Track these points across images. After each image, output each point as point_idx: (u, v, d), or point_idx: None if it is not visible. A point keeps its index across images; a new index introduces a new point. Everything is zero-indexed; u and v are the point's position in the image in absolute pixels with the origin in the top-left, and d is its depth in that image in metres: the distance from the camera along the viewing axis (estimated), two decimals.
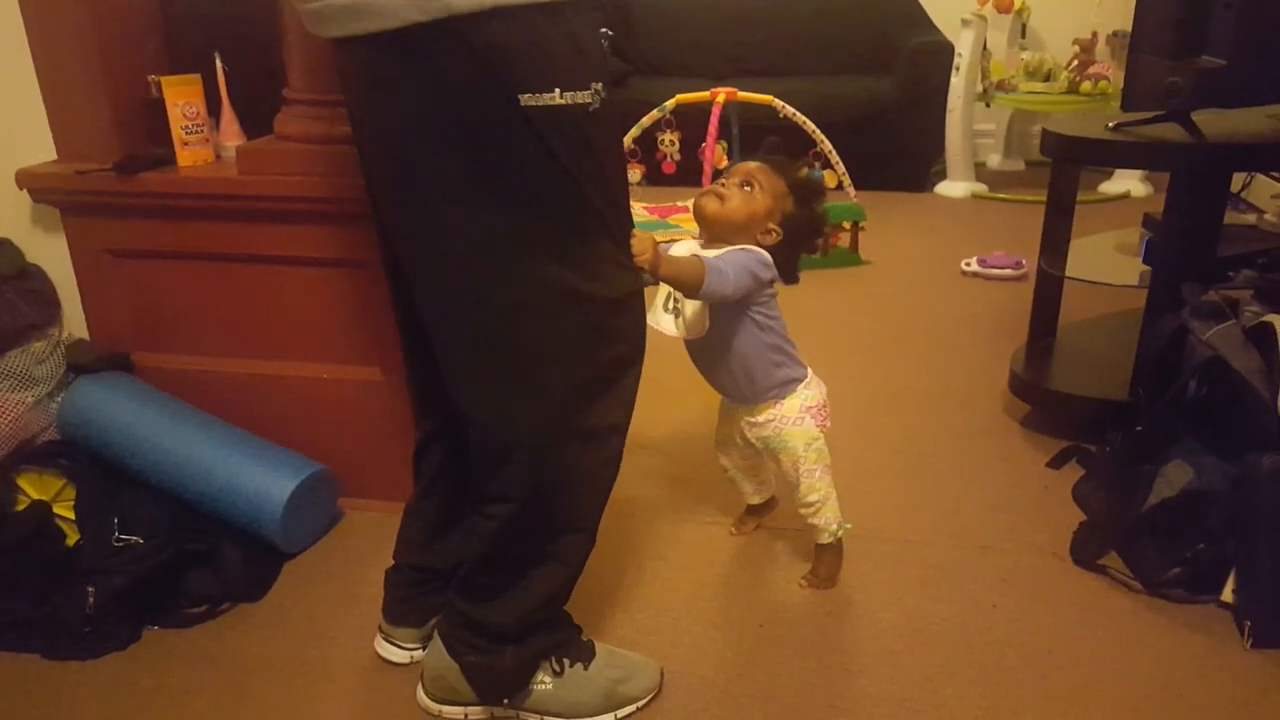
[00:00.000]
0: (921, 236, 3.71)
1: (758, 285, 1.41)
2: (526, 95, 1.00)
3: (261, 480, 1.65)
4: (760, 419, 1.53)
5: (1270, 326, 1.52)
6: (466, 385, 1.17)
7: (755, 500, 1.74)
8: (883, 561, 1.66)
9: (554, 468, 1.19)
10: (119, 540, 1.58)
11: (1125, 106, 1.84)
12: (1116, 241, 2.30)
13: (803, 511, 1.57)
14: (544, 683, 1.31)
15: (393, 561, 1.47)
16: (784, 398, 1.52)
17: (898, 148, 4.30)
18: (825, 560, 1.61)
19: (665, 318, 1.46)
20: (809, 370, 1.55)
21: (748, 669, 1.42)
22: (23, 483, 1.65)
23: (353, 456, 1.76)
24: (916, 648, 1.45)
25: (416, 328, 1.23)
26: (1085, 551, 1.63)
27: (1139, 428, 1.63)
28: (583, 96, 1.03)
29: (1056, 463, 1.93)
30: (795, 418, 1.52)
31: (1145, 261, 1.97)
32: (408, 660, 1.44)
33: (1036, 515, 1.78)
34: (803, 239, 1.49)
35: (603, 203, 1.11)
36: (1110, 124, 1.89)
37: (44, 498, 1.64)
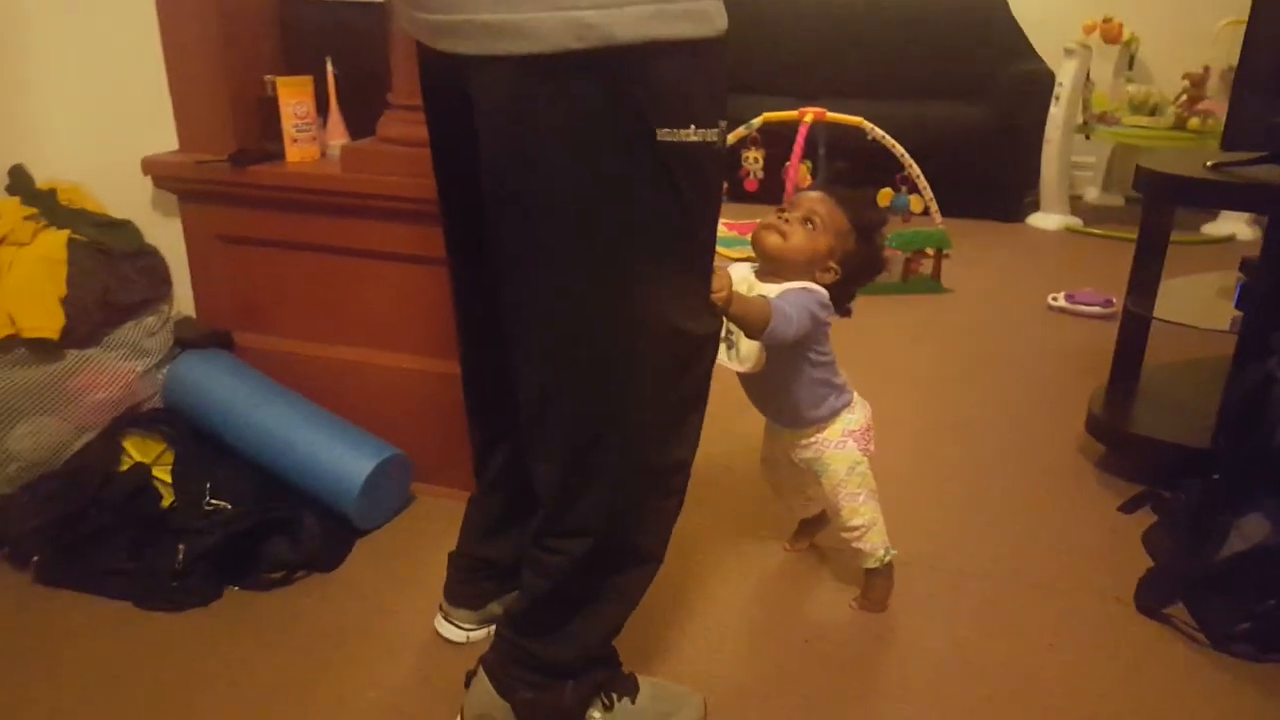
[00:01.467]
0: (1009, 268, 3.65)
1: (816, 326, 1.42)
2: (664, 130, 1.01)
3: (342, 459, 1.75)
4: (804, 443, 1.55)
5: None
6: (555, 409, 1.15)
7: (805, 515, 1.76)
8: (936, 590, 1.66)
9: (633, 501, 1.20)
10: (209, 504, 1.69)
11: (1226, 145, 1.80)
12: (1211, 284, 2.25)
13: (845, 535, 1.57)
14: (595, 718, 1.31)
15: (456, 547, 1.53)
16: (826, 425, 1.53)
17: (991, 176, 4.25)
18: (876, 585, 1.61)
19: (720, 350, 1.46)
20: (854, 394, 1.56)
21: (789, 684, 1.44)
22: (128, 445, 1.77)
23: (427, 444, 1.84)
24: (962, 680, 1.45)
25: (492, 338, 1.25)
26: (1150, 599, 1.60)
27: (1215, 476, 1.60)
28: (711, 134, 1.05)
29: (1129, 507, 1.89)
30: (838, 441, 1.53)
31: (1238, 306, 1.92)
32: (464, 639, 1.51)
33: (1102, 558, 1.75)
34: (861, 276, 1.49)
35: (706, 238, 1.13)
36: (1209, 163, 1.86)
37: (145, 460, 1.76)
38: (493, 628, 1.44)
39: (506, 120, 1.02)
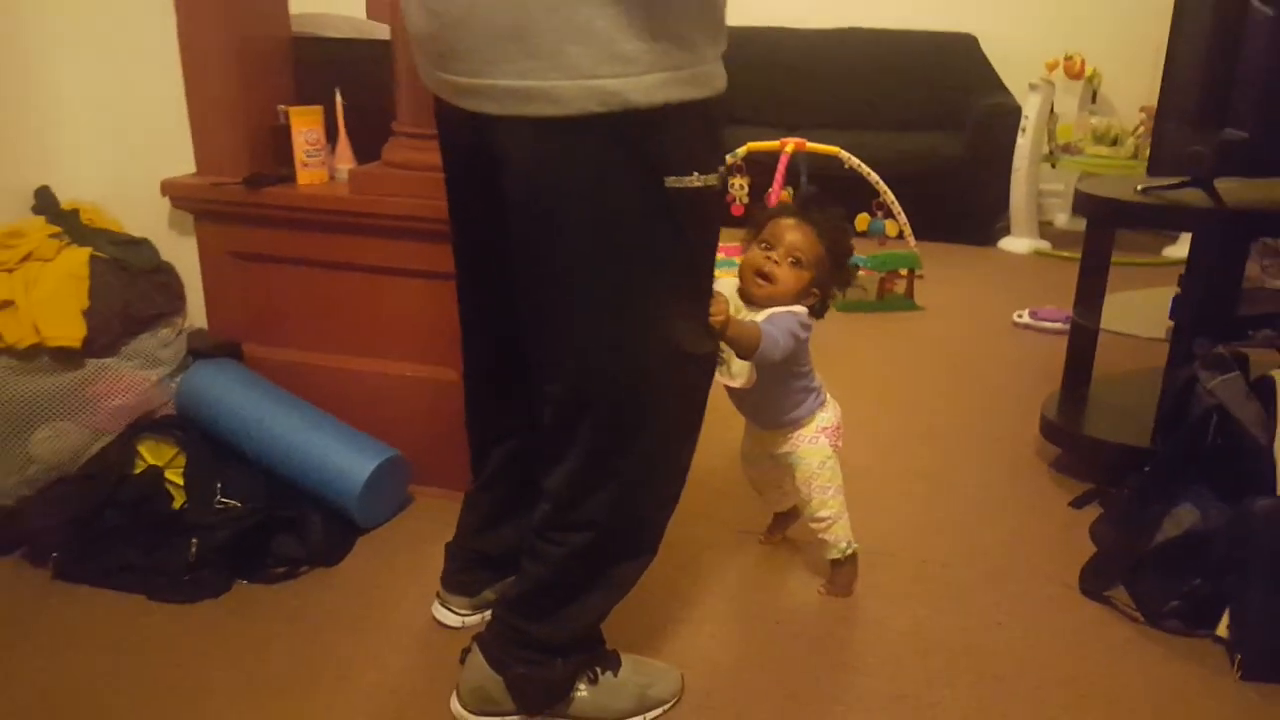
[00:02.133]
0: (979, 288, 3.82)
1: (798, 345, 1.54)
2: (671, 178, 1.13)
3: (345, 460, 1.87)
4: (782, 440, 1.68)
5: (1272, 379, 1.63)
6: (575, 421, 1.25)
7: (779, 509, 1.89)
8: (898, 576, 1.79)
9: (638, 500, 1.32)
10: (220, 502, 1.81)
11: (1150, 171, 1.97)
12: (1154, 298, 2.40)
13: (814, 526, 1.70)
14: (581, 691, 1.41)
15: (453, 539, 1.64)
16: (803, 422, 1.66)
17: (963, 202, 4.43)
18: (842, 572, 1.74)
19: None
20: (827, 395, 1.70)
21: (761, 662, 1.57)
22: (142, 449, 1.88)
23: (425, 446, 1.96)
24: (919, 654, 1.58)
25: (496, 350, 1.40)
26: (1093, 583, 1.74)
27: (1148, 469, 1.74)
28: (712, 179, 1.18)
29: (1079, 503, 2.03)
30: (811, 437, 1.66)
31: (1171, 317, 2.07)
32: (459, 624, 1.62)
33: (1052, 548, 1.89)
34: (835, 290, 1.62)
35: (706, 270, 1.28)
36: (1139, 187, 2.02)
37: (158, 463, 1.88)
38: (486, 614, 1.57)
39: (532, 175, 1.14)
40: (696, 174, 1.15)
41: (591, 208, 1.14)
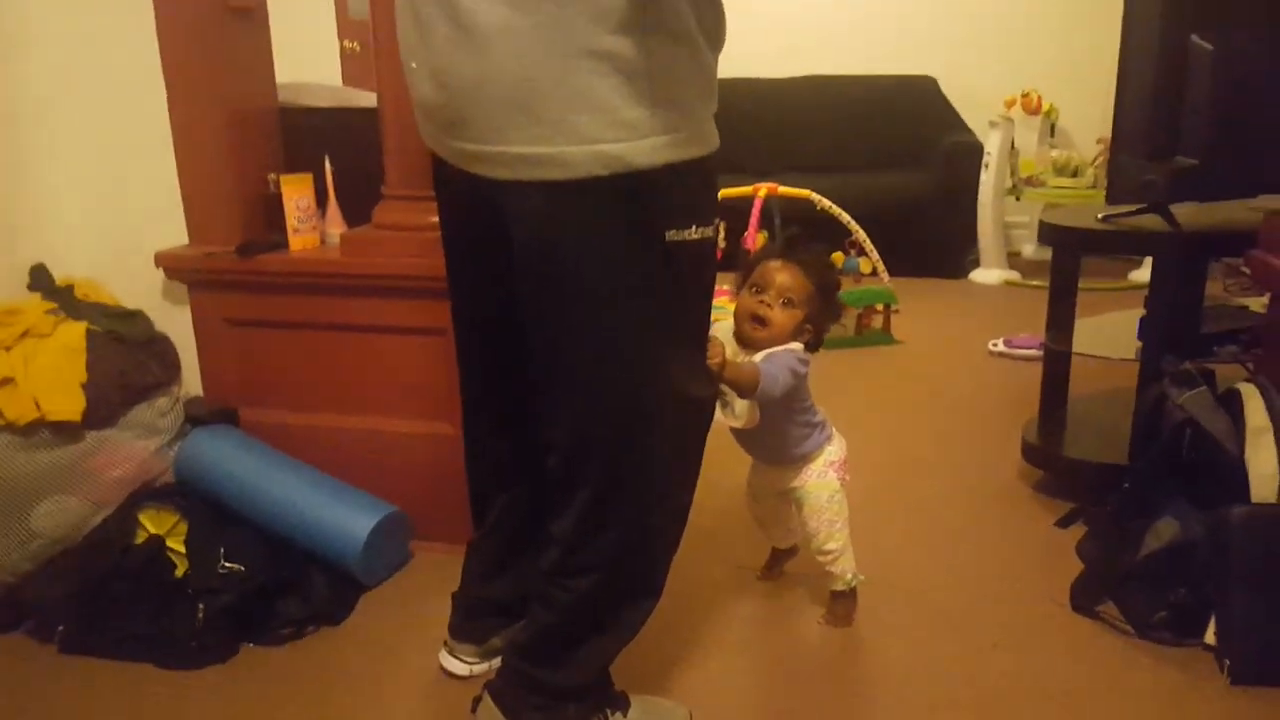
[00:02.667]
0: (953, 319, 3.92)
1: (798, 381, 1.59)
2: (671, 231, 1.20)
3: (345, 519, 1.89)
4: (791, 475, 1.72)
5: (1238, 392, 1.70)
6: (580, 466, 1.29)
7: (781, 546, 1.93)
8: (894, 605, 1.83)
9: (641, 543, 1.35)
10: (224, 567, 1.82)
11: (1109, 200, 2.07)
12: (1123, 321, 2.49)
13: (821, 559, 1.74)
14: None
15: (459, 588, 1.66)
16: (812, 457, 1.71)
17: (933, 238, 4.56)
18: (841, 603, 1.78)
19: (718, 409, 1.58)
20: (832, 429, 1.75)
21: (766, 693, 1.61)
22: (143, 518, 1.90)
23: (423, 502, 1.99)
24: (920, 679, 1.62)
25: (497, 401, 1.45)
26: (1082, 599, 1.79)
27: (1126, 485, 1.80)
28: (709, 231, 1.25)
29: (1064, 523, 2.09)
30: (820, 471, 1.71)
31: (1139, 337, 2.15)
32: (467, 673, 1.63)
33: (1041, 568, 1.94)
34: (827, 325, 1.68)
35: (704, 316, 1.34)
36: (1100, 215, 2.11)
37: (159, 532, 1.89)
38: (494, 662, 1.60)
39: (540, 234, 1.21)
40: (695, 227, 1.22)
41: (597, 263, 1.20)
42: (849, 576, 1.75)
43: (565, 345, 1.26)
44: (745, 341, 1.62)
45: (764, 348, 1.59)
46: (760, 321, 1.59)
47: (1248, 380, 1.78)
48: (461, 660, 1.65)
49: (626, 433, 1.29)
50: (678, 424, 1.33)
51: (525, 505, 1.51)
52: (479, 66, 1.14)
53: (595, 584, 1.34)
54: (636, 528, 1.34)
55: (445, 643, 1.66)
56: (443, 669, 1.65)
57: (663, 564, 1.42)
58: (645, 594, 1.41)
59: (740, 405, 1.60)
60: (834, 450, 1.72)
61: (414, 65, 1.25)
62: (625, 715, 1.46)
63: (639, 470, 1.31)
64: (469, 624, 1.64)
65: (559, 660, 1.38)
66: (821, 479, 1.70)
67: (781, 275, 1.60)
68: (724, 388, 1.55)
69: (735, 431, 1.69)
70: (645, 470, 1.32)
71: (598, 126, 1.12)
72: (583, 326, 1.24)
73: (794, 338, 1.61)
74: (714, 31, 1.22)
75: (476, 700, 1.45)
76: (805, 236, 1.73)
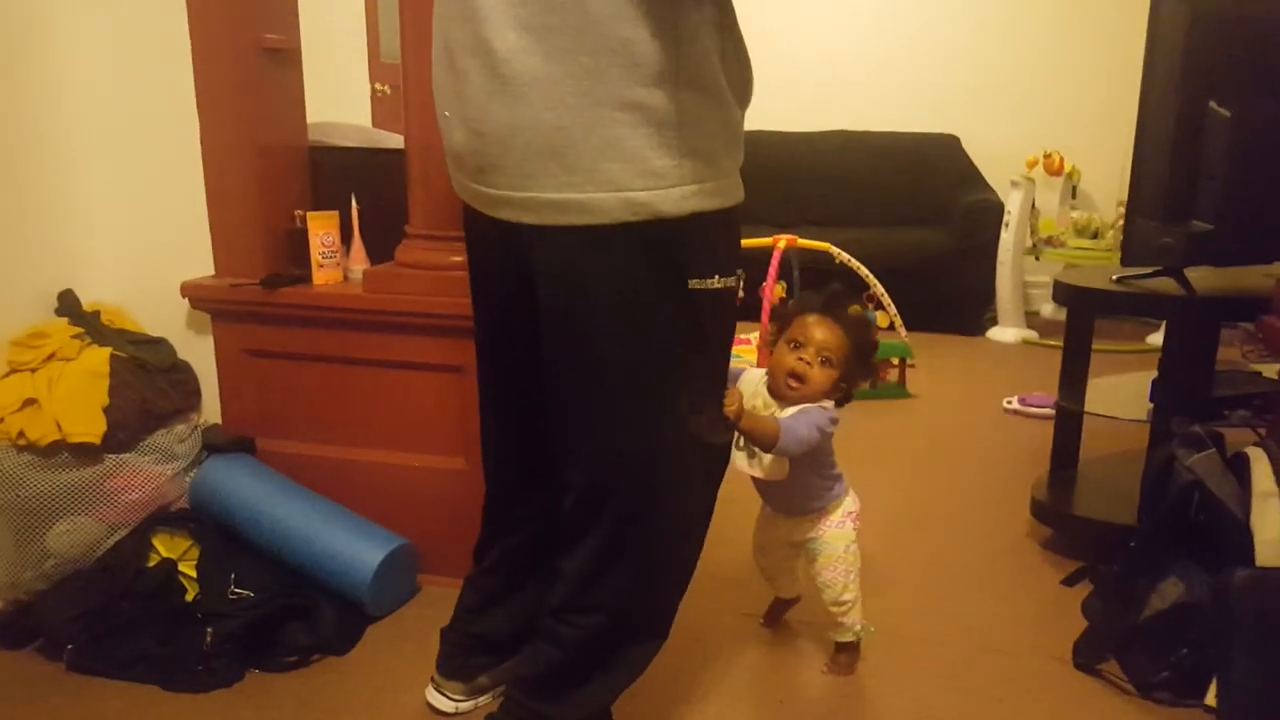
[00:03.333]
0: (969, 376, 3.92)
1: (823, 439, 1.59)
2: (694, 280, 1.23)
3: (355, 549, 1.91)
4: (807, 526, 1.72)
5: (1246, 455, 1.70)
6: (597, 508, 1.31)
7: (786, 596, 1.93)
8: (897, 656, 1.83)
9: (649, 585, 1.37)
10: (233, 593, 1.85)
11: (1124, 262, 2.08)
12: (1136, 382, 2.49)
13: (834, 610, 1.73)
14: None
15: (450, 623, 1.66)
16: (829, 509, 1.72)
17: (952, 295, 4.57)
18: (846, 654, 1.78)
19: (739, 456, 1.60)
20: (846, 481, 1.75)
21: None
22: (157, 542, 1.93)
23: (433, 536, 2.01)
24: None
25: (522, 442, 1.47)
26: (1085, 656, 1.78)
27: (1133, 545, 1.80)
28: (731, 281, 1.29)
29: (1070, 581, 2.08)
30: (838, 522, 1.71)
31: (1151, 399, 2.15)
32: (453, 710, 1.63)
33: (1045, 625, 1.93)
34: (859, 383, 1.67)
35: (723, 365, 1.37)
36: (1114, 277, 2.13)
37: (172, 556, 1.92)
38: (479, 700, 1.62)
39: (567, 277, 1.24)
40: (718, 277, 1.25)
41: (620, 307, 1.23)
42: (858, 628, 1.75)
43: (586, 388, 1.29)
44: (779, 395, 1.61)
45: (797, 404, 1.59)
46: (799, 379, 1.58)
47: (1256, 445, 1.78)
48: (448, 697, 1.64)
49: (642, 476, 1.30)
50: (692, 469, 1.35)
51: (529, 548, 1.52)
52: (513, 114, 1.18)
53: (602, 623, 1.35)
54: (646, 569, 1.35)
55: (433, 679, 1.66)
56: (429, 705, 1.65)
57: (669, 607, 1.43)
58: (651, 635, 1.43)
59: (768, 457, 1.59)
60: (850, 502, 1.74)
61: (447, 114, 1.29)
62: None
63: (652, 513, 1.33)
64: (457, 660, 1.64)
65: (563, 697, 1.39)
66: (839, 529, 1.71)
67: (820, 331, 1.59)
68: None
69: (757, 482, 1.69)
70: (658, 514, 1.33)
71: (627, 175, 1.16)
72: (604, 370, 1.26)
73: (828, 396, 1.61)
74: (741, 87, 1.26)
75: (471, 693, 1.49)
76: (845, 294, 1.71)
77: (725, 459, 1.44)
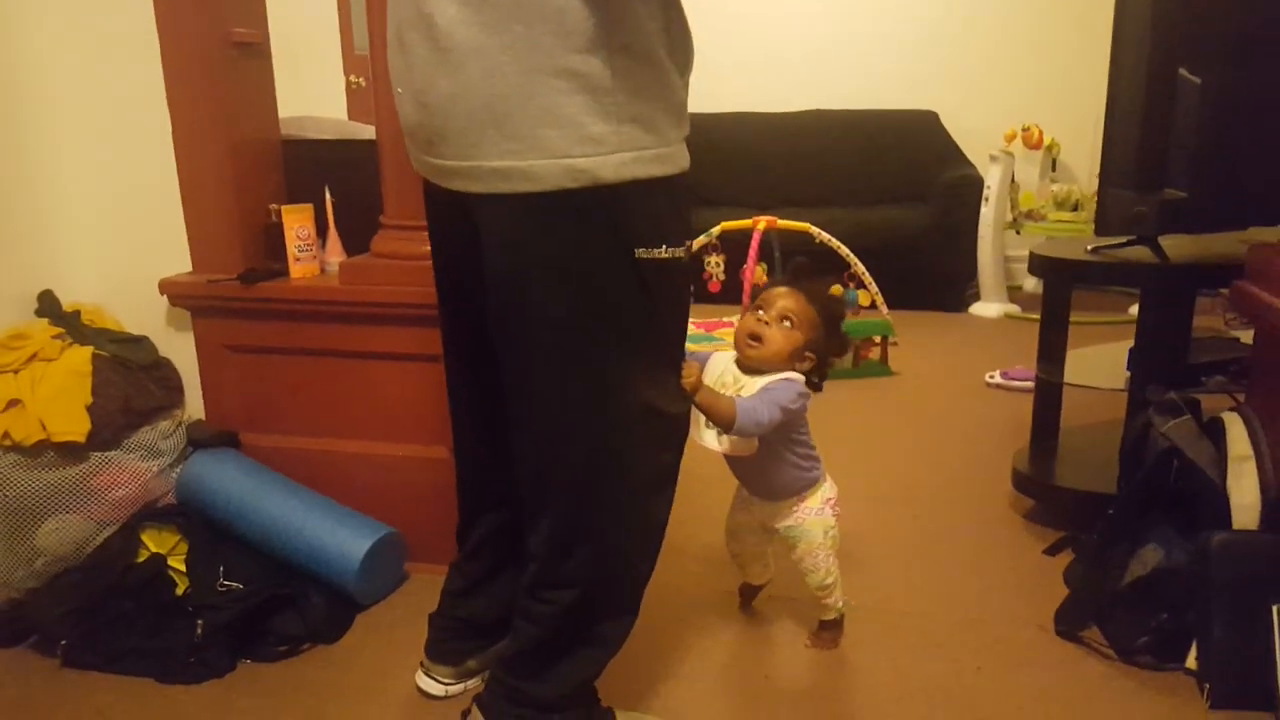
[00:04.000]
0: (951, 352, 3.94)
1: (789, 416, 1.56)
2: (641, 249, 1.24)
3: (342, 539, 1.92)
4: (785, 512, 1.71)
5: (1221, 421, 1.72)
6: (553, 479, 1.34)
7: (757, 582, 1.93)
8: (881, 629, 1.85)
9: (616, 558, 1.38)
10: (222, 585, 1.86)
11: (1098, 232, 2.10)
12: (1114, 352, 2.52)
13: (818, 594, 1.75)
14: None
15: (437, 608, 1.67)
16: (807, 495, 1.71)
17: (933, 271, 4.59)
18: (830, 630, 1.80)
19: (708, 434, 1.59)
20: (823, 467, 1.74)
21: (753, 713, 1.62)
22: (145, 537, 1.94)
23: (419, 524, 2.02)
24: (903, 699, 1.64)
25: (484, 425, 1.47)
26: (1066, 624, 1.80)
27: (1111, 512, 1.82)
28: (679, 251, 1.29)
29: (1052, 550, 2.10)
30: (817, 509, 1.70)
31: (1128, 368, 2.18)
32: (442, 693, 1.65)
33: (1028, 594, 1.96)
34: (831, 357, 1.66)
35: (674, 337, 1.38)
36: (1088, 247, 2.15)
37: (161, 551, 1.93)
38: (469, 683, 1.63)
39: (510, 246, 1.25)
40: (665, 246, 1.26)
41: (565, 275, 1.24)
42: (839, 606, 1.77)
43: (532, 359, 1.30)
44: (743, 365, 1.61)
45: (760, 368, 1.59)
46: (756, 339, 1.58)
47: (1232, 410, 1.80)
48: (437, 680, 1.66)
49: (592, 447, 1.31)
50: (645, 439, 1.35)
51: (511, 529, 1.53)
52: (455, 84, 1.19)
53: (573, 598, 1.37)
54: (609, 542, 1.36)
55: (422, 663, 1.67)
56: (419, 689, 1.67)
57: (639, 579, 1.45)
58: (623, 610, 1.44)
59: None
60: (828, 488, 1.73)
61: (400, 90, 1.30)
62: None
63: (607, 485, 1.34)
64: (445, 645, 1.65)
65: (541, 674, 1.41)
66: (820, 516, 1.70)
67: (784, 299, 1.60)
68: None
69: (732, 463, 1.69)
70: (613, 485, 1.34)
71: (566, 141, 1.17)
72: (549, 339, 1.27)
73: (792, 363, 1.59)
74: (681, 55, 1.27)
75: (465, 713, 1.49)
76: (812, 267, 1.73)
77: (684, 427, 1.44)
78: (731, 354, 1.65)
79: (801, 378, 1.59)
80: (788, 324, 1.58)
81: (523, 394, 1.34)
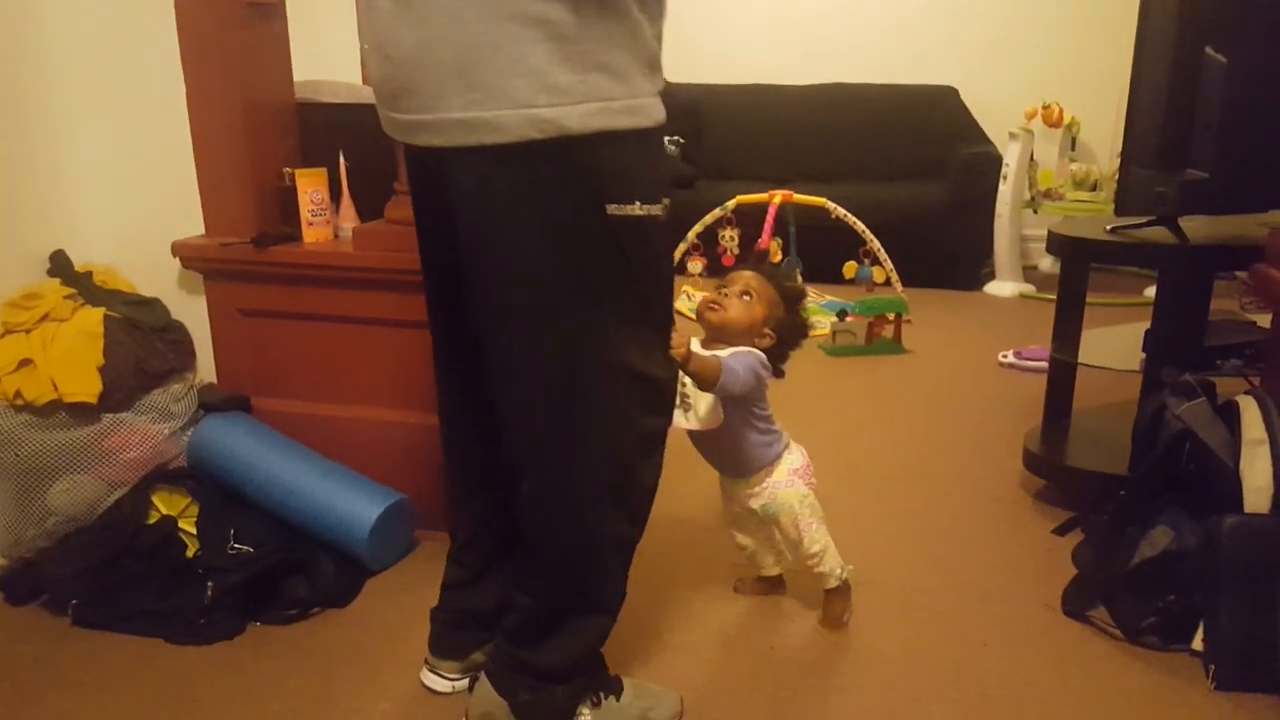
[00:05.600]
0: (965, 331, 3.92)
1: (759, 383, 1.60)
2: (613, 205, 1.19)
3: (353, 505, 1.94)
4: (756, 489, 1.70)
5: (1236, 404, 1.71)
6: (536, 446, 1.32)
7: (771, 572, 1.90)
8: (888, 605, 1.85)
9: (603, 523, 1.35)
10: (233, 548, 1.87)
11: (1118, 212, 2.07)
12: (1130, 333, 2.49)
13: (809, 563, 1.73)
14: (585, 715, 1.46)
15: (438, 602, 1.62)
16: (773, 469, 1.70)
17: (948, 249, 4.55)
18: (835, 602, 1.79)
19: (676, 412, 1.54)
20: (788, 438, 1.74)
21: (758, 685, 1.63)
22: (156, 499, 1.95)
23: (429, 491, 2.02)
24: (909, 675, 1.64)
25: (470, 395, 1.43)
26: (1074, 603, 1.80)
27: (1122, 493, 1.81)
28: (655, 209, 1.25)
29: (1061, 530, 2.10)
30: (786, 481, 1.70)
31: (1143, 349, 2.16)
32: (450, 689, 1.60)
33: (1036, 573, 1.95)
34: (792, 340, 1.67)
35: (655, 298, 1.34)
36: (1108, 227, 2.12)
37: (172, 513, 1.94)
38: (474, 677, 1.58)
39: (479, 200, 1.22)
40: (639, 203, 1.22)
41: (534, 230, 1.21)
42: (838, 571, 1.75)
43: (504, 316, 1.27)
44: (705, 335, 1.62)
45: (721, 338, 1.60)
46: (715, 305, 1.60)
47: (1247, 393, 1.79)
48: (443, 677, 1.61)
49: (568, 407, 1.28)
50: (624, 401, 1.31)
51: (503, 511, 1.46)
52: (418, 35, 1.16)
53: (565, 567, 1.37)
54: (594, 508, 1.34)
55: (426, 660, 1.63)
56: (425, 687, 1.62)
57: (626, 546, 1.42)
58: (612, 579, 1.43)
59: (703, 406, 1.58)
60: (794, 459, 1.72)
61: (366, 46, 1.27)
62: (618, 699, 1.48)
63: (588, 446, 1.31)
64: (449, 639, 1.61)
65: (541, 642, 1.41)
66: (789, 488, 1.70)
67: (745, 277, 1.64)
68: (686, 392, 1.54)
69: (697, 442, 1.68)
70: (594, 446, 1.31)
71: (531, 91, 1.14)
72: (520, 297, 1.24)
73: (751, 335, 1.61)
74: (653, 5, 1.22)
75: (473, 679, 1.50)
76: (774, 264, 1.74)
77: (671, 393, 1.41)
78: (694, 338, 1.60)
79: (762, 353, 1.60)
80: (747, 297, 1.61)
81: (498, 354, 1.31)
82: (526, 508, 1.37)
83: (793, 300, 1.68)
